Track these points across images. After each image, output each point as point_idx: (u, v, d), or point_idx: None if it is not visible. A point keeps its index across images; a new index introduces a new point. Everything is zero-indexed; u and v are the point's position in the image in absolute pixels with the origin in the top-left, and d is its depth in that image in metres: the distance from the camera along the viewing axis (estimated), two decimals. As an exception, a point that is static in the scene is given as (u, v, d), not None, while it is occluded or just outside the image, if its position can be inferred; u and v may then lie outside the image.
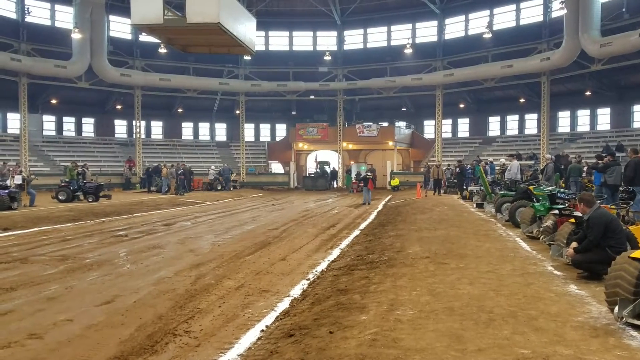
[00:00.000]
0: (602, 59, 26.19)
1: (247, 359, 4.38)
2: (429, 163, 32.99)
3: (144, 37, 32.44)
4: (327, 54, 36.05)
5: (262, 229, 13.39)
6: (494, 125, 37.32)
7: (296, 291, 6.66)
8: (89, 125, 36.63)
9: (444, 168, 26.37)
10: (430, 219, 13.15)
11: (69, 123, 35.76)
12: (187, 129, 40.51)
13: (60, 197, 20.08)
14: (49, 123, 34.57)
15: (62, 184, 20.94)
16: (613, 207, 8.80)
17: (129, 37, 34.72)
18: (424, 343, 3.97)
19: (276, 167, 40.83)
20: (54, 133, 34.72)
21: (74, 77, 30.32)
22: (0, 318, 5.43)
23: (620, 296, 4.40)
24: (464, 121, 38.64)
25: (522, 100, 34.21)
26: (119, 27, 34.27)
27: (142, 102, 34.13)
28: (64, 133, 35.42)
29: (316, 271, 7.86)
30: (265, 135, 42.47)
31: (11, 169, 21.39)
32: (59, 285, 6.87)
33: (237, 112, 38.17)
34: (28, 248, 9.89)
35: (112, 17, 32.92)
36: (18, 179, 18.15)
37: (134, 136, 35.18)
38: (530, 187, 11.61)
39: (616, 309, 4.36)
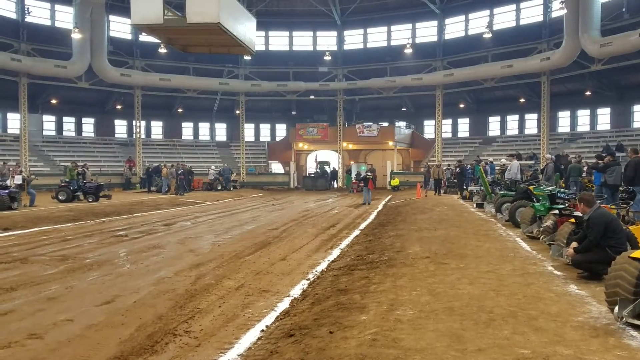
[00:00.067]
0: (602, 59, 26.19)
1: (247, 359, 4.38)
2: (429, 163, 32.99)
3: (144, 37, 32.44)
4: (327, 54, 36.05)
5: (262, 229, 13.39)
6: (494, 125, 37.33)
7: (296, 291, 6.67)
8: (89, 125, 36.64)
9: (444, 168, 26.36)
10: (431, 219, 13.14)
11: (69, 123, 35.77)
12: (187, 129, 40.51)
13: (60, 197, 20.08)
14: (49, 123, 34.57)
15: (62, 184, 20.95)
16: (613, 207, 8.81)
17: (129, 37, 34.73)
18: (424, 343, 3.97)
19: (276, 167, 40.84)
20: (54, 133, 34.73)
21: (74, 77, 30.32)
22: (1, 318, 5.43)
23: (620, 296, 4.40)
24: (464, 121, 38.64)
25: (522, 100, 34.21)
26: (119, 27, 34.29)
27: (142, 102, 34.14)
28: (64, 133, 35.43)
29: (316, 271, 7.86)
30: (265, 135, 42.48)
31: (11, 169, 21.40)
32: (59, 285, 6.87)
33: (237, 112, 38.18)
34: (28, 248, 9.89)
35: (112, 17, 32.93)
36: (18, 179, 18.15)
37: (134, 136, 35.19)
38: (530, 187, 11.60)
39: (616, 309, 4.36)
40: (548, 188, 11.10)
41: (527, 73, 30.93)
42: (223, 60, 35.50)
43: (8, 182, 17.72)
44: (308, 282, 7.14)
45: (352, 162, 38.73)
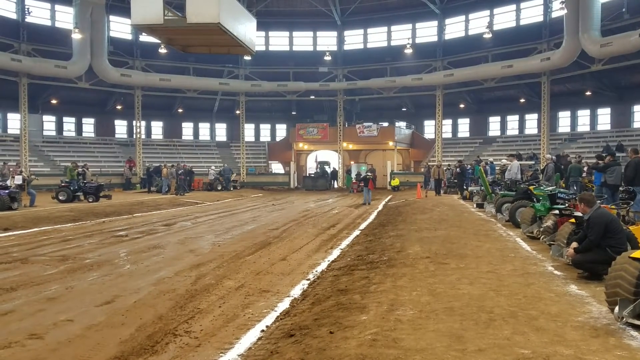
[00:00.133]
0: (602, 59, 26.18)
1: (248, 359, 4.38)
2: (429, 163, 33.00)
3: (144, 37, 32.46)
4: (327, 54, 36.04)
5: (262, 229, 13.40)
6: (494, 125, 37.32)
7: (296, 291, 6.67)
8: (89, 126, 36.63)
9: (445, 168, 26.37)
10: (431, 219, 13.14)
11: (69, 123, 35.76)
12: (187, 129, 40.51)
13: (60, 198, 20.08)
14: (49, 123, 34.56)
15: (63, 184, 20.95)
16: (613, 207, 8.80)
17: (129, 37, 34.72)
18: (424, 343, 3.97)
19: (276, 167, 40.85)
20: (54, 133, 34.73)
21: (74, 77, 30.32)
22: (1, 318, 5.43)
23: (621, 296, 4.40)
24: (464, 121, 38.63)
25: (522, 100, 34.21)
26: (119, 27, 34.28)
27: (142, 102, 34.14)
28: (64, 133, 35.43)
29: (316, 271, 7.86)
30: (265, 135, 42.48)
31: (11, 169, 21.40)
32: (59, 285, 6.87)
33: (238, 112, 38.18)
34: (28, 248, 9.89)
35: (112, 17, 32.92)
36: (18, 179, 18.14)
37: (134, 136, 35.19)
38: (531, 187, 11.60)
39: (616, 309, 4.36)
40: (548, 188, 11.10)
41: (527, 73, 30.93)
42: (223, 61, 35.51)
43: (8, 183, 17.72)
44: (308, 282, 7.14)
45: (352, 162, 38.73)
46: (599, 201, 7.14)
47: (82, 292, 6.55)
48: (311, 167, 38.95)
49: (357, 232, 12.48)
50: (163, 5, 11.19)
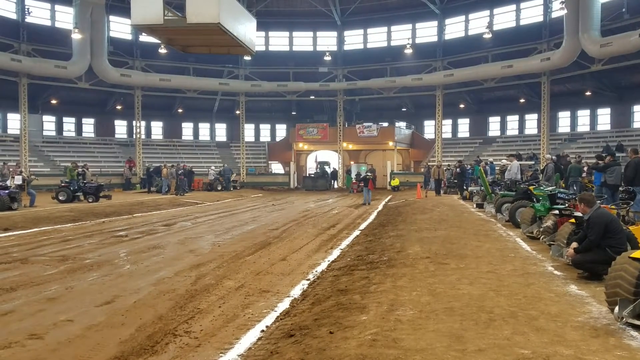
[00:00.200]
0: (602, 59, 26.19)
1: (247, 359, 4.38)
2: (429, 163, 33.00)
3: (144, 38, 32.46)
4: (327, 54, 36.05)
5: (262, 229, 13.40)
6: (494, 125, 37.32)
7: (296, 291, 6.67)
8: (89, 126, 36.64)
9: (444, 168, 26.37)
10: (431, 219, 13.15)
11: (69, 123, 35.77)
12: (187, 129, 40.52)
13: (60, 198, 20.08)
14: (49, 123, 34.58)
15: (62, 185, 20.95)
16: (613, 207, 8.81)
17: (129, 37, 34.72)
18: (424, 343, 3.97)
19: (276, 168, 40.85)
20: (54, 133, 34.74)
21: (74, 77, 30.32)
22: (1, 318, 5.43)
23: (621, 296, 4.40)
24: (464, 121, 38.64)
25: (522, 100, 34.21)
26: (119, 28, 34.29)
27: (142, 102, 34.15)
28: (64, 133, 35.43)
29: (316, 271, 7.86)
30: (265, 135, 42.48)
31: (11, 169, 21.39)
32: (59, 285, 6.87)
33: (237, 112, 38.18)
34: (28, 248, 9.89)
35: (112, 18, 32.92)
36: (18, 180, 18.14)
37: (134, 136, 35.19)
38: (531, 188, 11.61)
39: (616, 309, 4.36)
40: (548, 188, 11.10)
41: (527, 73, 30.93)
42: (223, 61, 35.52)
43: (8, 183, 17.72)
44: (308, 282, 7.14)
45: (352, 163, 38.74)
46: (598, 201, 7.14)
47: (82, 292, 6.55)
48: (311, 167, 38.94)
49: (357, 232, 12.48)
50: (163, 6, 11.19)
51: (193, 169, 30.84)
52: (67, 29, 29.92)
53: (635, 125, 29.83)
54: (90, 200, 20.23)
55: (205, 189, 31.25)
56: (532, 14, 32.34)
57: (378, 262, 7.70)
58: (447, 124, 37.47)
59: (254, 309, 5.86)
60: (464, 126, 38.75)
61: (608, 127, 31.31)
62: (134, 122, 34.77)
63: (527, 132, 35.37)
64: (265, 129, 42.44)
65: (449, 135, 38.36)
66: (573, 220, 7.34)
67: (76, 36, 28.08)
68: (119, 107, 36.00)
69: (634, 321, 4.27)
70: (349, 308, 5.23)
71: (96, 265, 8.26)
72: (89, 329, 5.12)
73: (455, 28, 35.71)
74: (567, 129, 33.33)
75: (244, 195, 29.37)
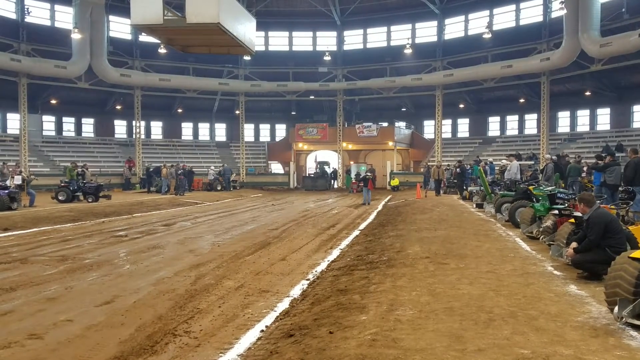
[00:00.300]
0: (602, 59, 26.20)
1: (247, 359, 4.38)
2: (428, 163, 33.00)
3: (144, 37, 32.46)
4: (327, 54, 36.05)
5: (262, 229, 13.39)
6: (493, 125, 37.33)
7: (296, 291, 6.67)
8: (88, 126, 36.64)
9: (444, 168, 26.37)
10: (430, 219, 13.15)
11: (68, 123, 35.77)
12: (187, 129, 40.52)
13: (60, 198, 20.08)
14: (48, 123, 34.58)
15: (62, 184, 20.94)
16: (613, 207, 8.80)
17: (129, 37, 34.72)
18: (423, 343, 3.97)
19: (276, 168, 40.85)
20: (53, 133, 34.74)
21: (74, 77, 30.32)
22: (0, 318, 5.43)
23: (620, 296, 4.40)
24: (464, 121, 38.65)
25: (522, 100, 34.23)
26: (119, 27, 34.29)
27: (142, 102, 34.14)
28: (64, 133, 35.43)
29: (316, 271, 7.86)
30: (265, 135, 42.48)
31: (11, 169, 21.39)
32: (58, 285, 6.87)
33: (237, 112, 38.18)
34: (28, 248, 9.88)
35: (112, 17, 32.91)
36: (18, 179, 18.13)
37: (134, 136, 35.19)
38: (530, 187, 11.61)
39: (616, 309, 4.36)
40: (548, 188, 11.10)
41: (527, 73, 30.95)
42: (223, 61, 35.51)
43: (8, 183, 17.71)
44: (308, 282, 7.14)
45: (352, 163, 38.73)
46: (598, 201, 7.14)
47: (82, 292, 6.55)
48: (311, 167, 38.94)
49: (356, 232, 12.48)
50: (163, 6, 11.21)
51: (193, 169, 30.85)
52: (67, 29, 29.93)
53: (635, 125, 29.85)
54: (89, 200, 20.23)
55: (205, 189, 31.25)
56: (531, 14, 32.37)
57: (378, 262, 7.71)
58: (446, 124, 37.48)
59: (253, 309, 5.86)
60: (463, 126, 38.76)
61: (608, 127, 31.33)
62: (134, 122, 34.77)
63: (526, 132, 35.39)
64: (265, 129, 42.45)
65: (449, 135, 38.37)
66: (573, 220, 7.34)
67: (76, 36, 28.08)
68: (118, 107, 35.99)
69: (634, 321, 4.27)
70: (348, 308, 5.23)
71: (96, 265, 8.26)
72: (89, 329, 5.12)
73: (455, 28, 35.72)
74: (567, 129, 33.35)
75: (244, 195, 29.37)
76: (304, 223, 14.88)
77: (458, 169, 23.63)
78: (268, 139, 42.20)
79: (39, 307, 5.85)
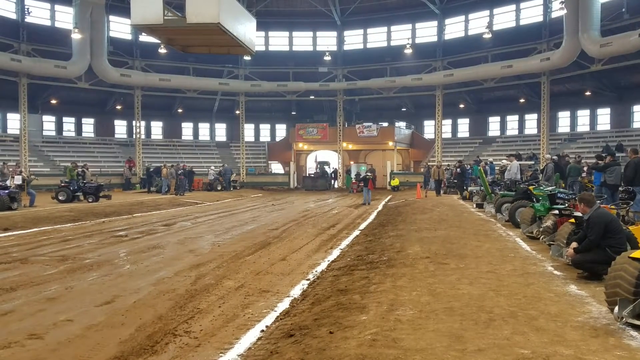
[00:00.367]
0: (602, 59, 26.19)
1: (247, 359, 4.38)
2: (428, 163, 33.00)
3: (144, 37, 32.46)
4: (327, 54, 36.04)
5: (262, 229, 13.40)
6: (494, 125, 37.32)
7: (296, 291, 6.67)
8: (89, 126, 36.63)
9: (444, 168, 26.37)
10: (430, 219, 13.15)
11: (69, 123, 35.76)
12: (187, 129, 40.52)
13: (60, 198, 20.08)
14: (48, 123, 34.57)
15: (62, 185, 20.94)
16: (613, 207, 8.81)
17: (129, 37, 34.72)
18: (424, 343, 3.97)
19: (276, 168, 40.85)
20: (54, 133, 34.73)
21: (74, 77, 30.32)
22: (1, 318, 5.43)
23: (620, 296, 4.40)
24: (464, 121, 38.64)
25: (522, 100, 34.22)
26: (119, 27, 34.28)
27: (142, 102, 34.14)
28: (64, 133, 35.42)
29: (316, 271, 7.87)
30: (265, 135, 42.48)
31: (11, 169, 21.39)
32: (59, 285, 6.87)
33: (237, 112, 38.17)
34: (28, 248, 9.88)
35: (112, 17, 32.90)
36: (18, 179, 18.13)
37: (134, 136, 35.18)
38: (530, 187, 11.61)
39: (616, 309, 4.36)
40: (548, 188, 11.10)
41: (527, 73, 30.94)
42: (223, 61, 35.51)
43: (8, 183, 17.71)
44: (308, 282, 7.14)
45: (352, 163, 38.73)
46: (598, 201, 7.14)
47: (82, 292, 6.55)
48: (311, 167, 38.95)
49: (356, 232, 12.48)
50: (163, 6, 11.20)
51: (193, 169, 30.85)
52: (67, 29, 29.91)
53: (635, 125, 29.84)
54: (90, 200, 20.23)
55: (205, 189, 31.25)
56: (532, 14, 32.34)
57: (378, 262, 7.71)
58: (447, 124, 37.47)
59: (253, 309, 5.86)
60: (463, 126, 38.76)
61: (608, 127, 31.32)
62: (134, 122, 34.76)
63: (527, 132, 35.37)
64: (265, 129, 42.45)
65: (449, 135, 38.37)
66: (573, 220, 7.34)
67: (76, 36, 28.08)
68: (118, 107, 35.99)
69: (634, 321, 4.27)
70: (348, 308, 5.23)
71: (96, 265, 8.26)
72: (89, 329, 5.12)
73: (455, 28, 35.71)
74: (567, 129, 33.34)
75: (244, 195, 29.37)
76: (304, 223, 14.88)
77: (458, 169, 23.63)
78: (268, 139, 42.21)
79: (39, 307, 5.85)
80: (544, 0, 31.23)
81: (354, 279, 6.66)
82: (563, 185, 15.82)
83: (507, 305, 5.01)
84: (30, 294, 6.39)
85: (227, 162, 36.56)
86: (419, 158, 37.76)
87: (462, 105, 36.84)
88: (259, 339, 4.83)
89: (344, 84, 36.66)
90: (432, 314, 4.76)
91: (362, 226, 13.79)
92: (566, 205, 9.30)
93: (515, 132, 36.17)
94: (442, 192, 24.64)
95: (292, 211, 19.09)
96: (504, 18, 33.67)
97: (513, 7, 32.88)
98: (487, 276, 6.31)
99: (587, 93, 31.03)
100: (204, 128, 41.06)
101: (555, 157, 19.26)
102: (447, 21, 35.42)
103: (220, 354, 4.51)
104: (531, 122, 34.91)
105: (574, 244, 6.30)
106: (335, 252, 9.55)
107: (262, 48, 36.55)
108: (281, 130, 42.17)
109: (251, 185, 36.03)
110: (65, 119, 35.44)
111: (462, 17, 35.12)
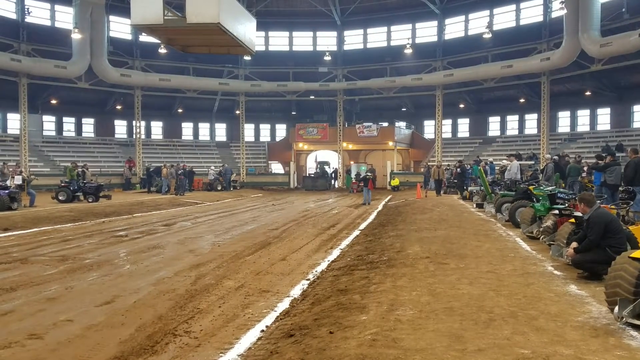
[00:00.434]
0: (602, 59, 26.19)
1: (247, 359, 4.38)
2: (428, 163, 33.00)
3: (144, 37, 32.46)
4: (327, 54, 36.03)
5: (262, 229, 13.40)
6: (494, 125, 37.32)
7: (296, 291, 6.67)
8: (89, 126, 36.63)
9: (444, 168, 26.37)
10: (430, 219, 13.15)
11: (69, 123, 35.76)
12: (187, 129, 40.52)
13: (60, 198, 20.08)
14: (49, 123, 34.57)
15: (62, 185, 20.95)
16: (613, 207, 8.80)
17: (129, 37, 34.72)
18: (424, 343, 3.97)
19: (276, 168, 40.85)
20: (54, 133, 34.73)
21: (74, 77, 30.31)
22: (1, 318, 5.43)
23: (620, 296, 4.40)
24: (464, 121, 38.64)
25: (522, 100, 34.22)
26: (119, 27, 34.28)
27: (142, 102, 34.13)
28: (64, 133, 35.42)
29: (316, 271, 7.87)
30: (265, 135, 42.48)
31: (11, 169, 21.39)
32: (59, 285, 6.87)
33: (237, 112, 38.17)
34: (28, 248, 9.89)
35: (112, 17, 32.90)
36: (18, 179, 18.14)
37: (134, 136, 35.19)
38: (530, 187, 11.61)
39: (616, 309, 4.36)
40: (548, 188, 11.10)
41: (527, 73, 30.93)
42: (223, 61, 35.51)
43: (8, 183, 17.71)
44: (308, 282, 7.14)
45: (352, 162, 38.73)
46: (598, 201, 7.14)
47: (82, 292, 6.55)
48: (311, 167, 38.95)
49: (356, 232, 12.48)
50: (163, 5, 11.20)
51: (193, 169, 30.86)
52: (67, 29, 29.91)
53: (635, 125, 29.83)
54: (90, 200, 20.23)
55: (205, 189, 31.24)
56: (532, 14, 32.34)
57: (378, 262, 7.71)
58: (447, 124, 37.46)
59: (253, 309, 5.86)
60: (463, 126, 38.75)
61: (608, 127, 31.31)
62: (134, 122, 34.76)
63: (527, 132, 35.37)
64: (265, 129, 42.45)
65: (449, 135, 38.36)
66: (573, 220, 7.34)
67: (76, 36, 28.08)
68: (118, 107, 35.99)
69: (634, 321, 4.27)
70: (348, 308, 5.23)
71: (96, 265, 8.26)
72: (89, 329, 5.12)
73: (455, 28, 35.70)
74: (567, 129, 33.33)
75: (244, 195, 29.37)
76: (304, 223, 14.88)
77: (458, 169, 23.63)
78: (268, 139, 42.21)
79: (39, 307, 5.86)
80: (544, 0, 31.23)
81: (354, 279, 6.66)
82: (563, 185, 15.82)
83: (507, 305, 5.01)
84: (30, 294, 6.39)
85: (227, 162, 36.56)
86: (419, 158, 37.76)
87: (462, 105, 36.84)
88: (259, 339, 4.83)
89: (344, 84, 36.66)
90: (432, 314, 4.76)
91: (362, 226, 13.79)
92: (566, 205, 9.29)
93: (515, 132, 36.17)
94: (442, 192, 24.64)
95: (292, 211, 19.09)
96: (504, 18, 33.67)
97: (513, 7, 32.87)
98: (487, 276, 6.31)
99: (587, 93, 31.03)
100: (204, 128, 41.06)
101: (555, 157, 19.26)
102: (447, 21, 35.41)
103: (220, 354, 4.51)
104: (531, 122, 34.91)
105: (574, 244, 6.29)
106: (335, 252, 9.55)
107: (262, 48, 36.55)
108: (281, 130, 42.18)
109: (251, 185, 36.02)
110: (65, 119, 35.44)
111: (462, 17, 35.11)
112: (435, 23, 35.51)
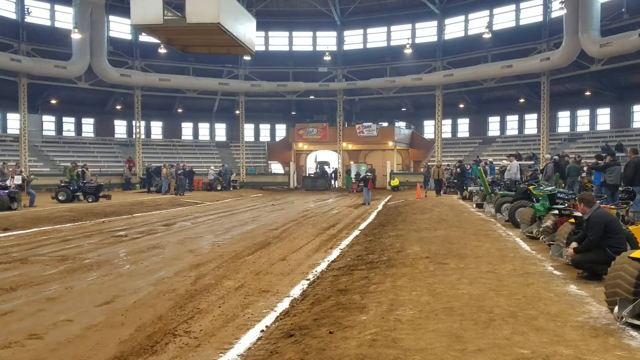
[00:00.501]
0: (602, 59, 26.19)
1: (247, 359, 4.38)
2: (428, 163, 33.00)
3: (144, 37, 32.46)
4: (327, 54, 36.03)
5: (262, 229, 13.40)
6: (493, 125, 37.32)
7: (296, 291, 6.67)
8: (88, 126, 36.63)
9: (444, 168, 26.36)
10: (430, 219, 13.15)
11: (68, 123, 35.75)
12: (187, 129, 40.51)
13: (60, 198, 20.07)
14: (48, 123, 34.56)
15: (62, 184, 20.94)
16: (613, 207, 8.80)
17: (129, 37, 34.72)
18: (423, 343, 3.97)
19: (276, 167, 40.85)
20: (53, 133, 34.72)
21: (74, 77, 30.32)
22: (1, 318, 5.43)
23: (620, 296, 4.40)
24: (464, 121, 38.64)
25: (521, 100, 34.22)
26: (119, 27, 34.28)
27: (142, 102, 34.14)
28: (64, 133, 35.41)
29: (316, 271, 7.87)
30: (265, 135, 42.48)
31: (11, 169, 21.39)
32: (58, 285, 6.87)
33: (237, 112, 38.18)
34: (28, 248, 9.89)
35: (112, 17, 32.90)
36: (18, 179, 18.14)
37: (134, 136, 35.19)
38: (530, 187, 11.61)
39: (616, 309, 4.36)
40: (548, 188, 11.10)
41: (526, 73, 30.94)
42: (223, 61, 35.50)
43: (8, 183, 17.71)
44: (308, 282, 7.14)
45: (352, 163, 38.73)
46: (598, 201, 7.14)
47: (82, 292, 6.55)
48: (311, 167, 38.95)
49: (356, 232, 12.48)
50: (163, 6, 11.20)
51: (193, 169, 30.85)
52: (67, 29, 29.91)
53: (635, 125, 29.83)
54: (89, 200, 20.23)
55: (205, 189, 31.24)
56: (531, 14, 32.34)
57: (378, 262, 7.71)
58: (446, 124, 37.46)
59: (253, 309, 5.86)
60: (463, 126, 38.75)
61: (608, 127, 31.31)
62: (134, 122, 34.76)
63: (526, 132, 35.37)
64: (265, 128, 42.45)
65: (449, 135, 38.36)
66: (573, 220, 7.34)
67: (76, 36, 28.07)
68: (118, 107, 35.99)
69: (634, 321, 4.27)
70: (348, 308, 5.23)
71: (96, 265, 8.26)
72: (89, 329, 5.12)
73: (454, 28, 35.70)
74: (567, 129, 33.33)
75: (244, 195, 29.37)
76: (304, 223, 14.88)
77: (458, 169, 23.62)
78: (268, 139, 42.21)
79: (39, 307, 5.86)
80: (543, 0, 31.23)
81: (353, 279, 6.67)
82: (563, 185, 15.82)
83: (507, 305, 5.01)
84: (30, 294, 6.39)
85: (227, 162, 36.57)
86: (419, 158, 37.76)
87: (462, 105, 36.84)
88: (258, 339, 4.83)
89: (344, 84, 36.66)
90: (432, 314, 4.76)
91: (362, 226, 13.79)
92: (566, 205, 9.29)
93: (515, 132, 36.17)
94: (442, 192, 24.64)
95: (292, 211, 19.09)
96: (504, 18, 33.67)
97: (513, 7, 32.87)
98: (487, 276, 6.31)
99: (587, 93, 31.03)
100: (203, 128, 41.06)
101: (555, 157, 19.26)
102: (447, 21, 35.42)
103: (220, 354, 4.51)
104: (531, 122, 34.91)
105: (574, 244, 6.29)
106: (335, 252, 9.55)
107: (262, 48, 36.55)
108: (281, 130, 42.18)
109: (251, 185, 36.02)
110: (65, 119, 35.43)
111: (462, 17, 35.12)
112: (435, 23, 35.51)
